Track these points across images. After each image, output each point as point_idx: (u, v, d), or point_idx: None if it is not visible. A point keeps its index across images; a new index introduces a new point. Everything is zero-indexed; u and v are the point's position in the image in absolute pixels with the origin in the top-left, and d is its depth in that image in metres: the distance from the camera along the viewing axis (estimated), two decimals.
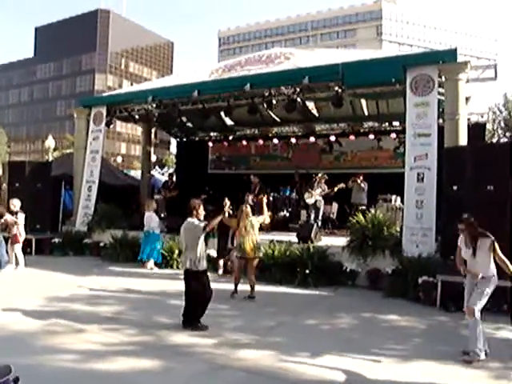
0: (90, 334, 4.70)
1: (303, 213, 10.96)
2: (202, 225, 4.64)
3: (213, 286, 5.02)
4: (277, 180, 12.60)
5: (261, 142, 14.46)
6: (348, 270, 7.34)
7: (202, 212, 4.77)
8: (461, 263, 4.46)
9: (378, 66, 7.89)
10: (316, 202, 10.24)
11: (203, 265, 4.66)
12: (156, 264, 8.83)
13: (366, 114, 11.74)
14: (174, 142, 25.82)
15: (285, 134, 14.47)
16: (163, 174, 20.26)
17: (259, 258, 6.31)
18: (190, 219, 4.68)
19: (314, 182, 10.44)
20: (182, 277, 4.87)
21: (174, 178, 13.65)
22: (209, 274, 4.97)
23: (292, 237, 8.68)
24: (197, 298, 4.62)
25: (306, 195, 10.31)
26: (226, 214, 5.68)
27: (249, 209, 6.30)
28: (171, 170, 19.75)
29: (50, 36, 67.83)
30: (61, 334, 4.65)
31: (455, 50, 7.51)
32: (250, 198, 10.21)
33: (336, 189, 10.12)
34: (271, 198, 11.72)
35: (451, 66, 7.27)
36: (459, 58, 7.36)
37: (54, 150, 27.51)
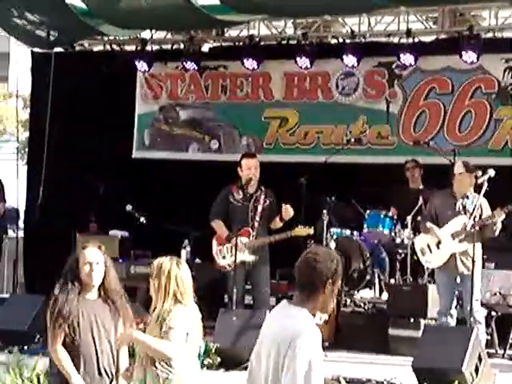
0: None
1: (432, 291, 10.63)
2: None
3: None
4: (348, 183, 12.22)
5: (304, 61, 13.01)
6: None
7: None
8: None
9: None
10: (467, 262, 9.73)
11: None
12: None
13: None
14: (23, 59, 24.75)
15: (378, 41, 13.54)
16: None
17: None
18: (302, 325, 3.81)
19: (476, 196, 9.82)
20: None
21: None
22: None
23: (400, 369, 8.85)
24: None
25: (419, 241, 10.03)
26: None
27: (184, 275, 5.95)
28: (14, 144, 20.78)
29: None
30: None
31: None
32: (243, 241, 10.13)
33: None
34: (332, 244, 11.23)
35: None
36: None
37: None
